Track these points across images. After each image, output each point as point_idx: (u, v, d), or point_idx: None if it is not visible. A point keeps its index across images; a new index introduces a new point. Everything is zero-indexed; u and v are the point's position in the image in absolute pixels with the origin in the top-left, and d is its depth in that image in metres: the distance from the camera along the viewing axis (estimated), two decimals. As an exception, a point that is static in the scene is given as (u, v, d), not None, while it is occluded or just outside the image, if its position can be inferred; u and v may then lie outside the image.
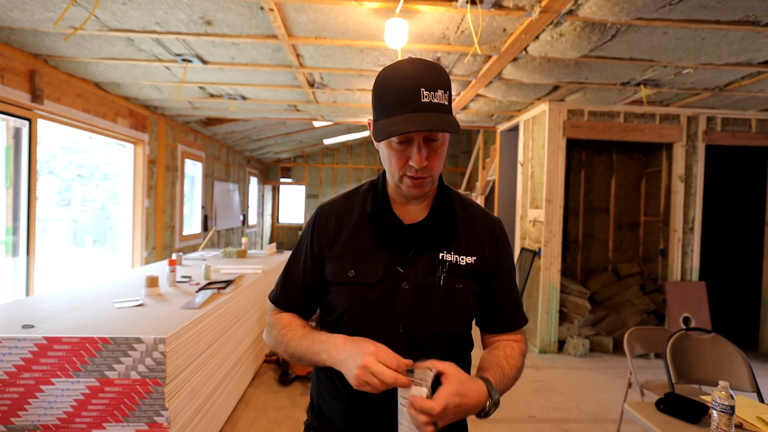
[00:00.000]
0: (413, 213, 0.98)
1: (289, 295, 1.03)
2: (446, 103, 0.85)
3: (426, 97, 0.81)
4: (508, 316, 1.03)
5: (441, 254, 0.94)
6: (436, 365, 0.79)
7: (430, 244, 0.95)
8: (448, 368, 0.79)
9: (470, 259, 0.95)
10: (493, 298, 1.01)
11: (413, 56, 0.89)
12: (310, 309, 1.04)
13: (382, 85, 0.87)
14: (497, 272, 1.00)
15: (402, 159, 0.88)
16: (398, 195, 0.97)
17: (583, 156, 5.06)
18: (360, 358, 0.79)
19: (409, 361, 0.80)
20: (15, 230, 3.04)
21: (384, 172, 1.00)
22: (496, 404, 0.84)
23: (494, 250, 0.99)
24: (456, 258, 0.95)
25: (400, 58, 3.02)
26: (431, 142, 0.86)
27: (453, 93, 4.06)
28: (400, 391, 0.80)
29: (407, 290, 0.92)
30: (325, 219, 1.01)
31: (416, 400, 0.75)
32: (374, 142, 0.92)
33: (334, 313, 0.98)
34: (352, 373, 0.79)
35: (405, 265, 0.93)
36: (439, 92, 0.83)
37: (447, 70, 3.42)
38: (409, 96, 0.82)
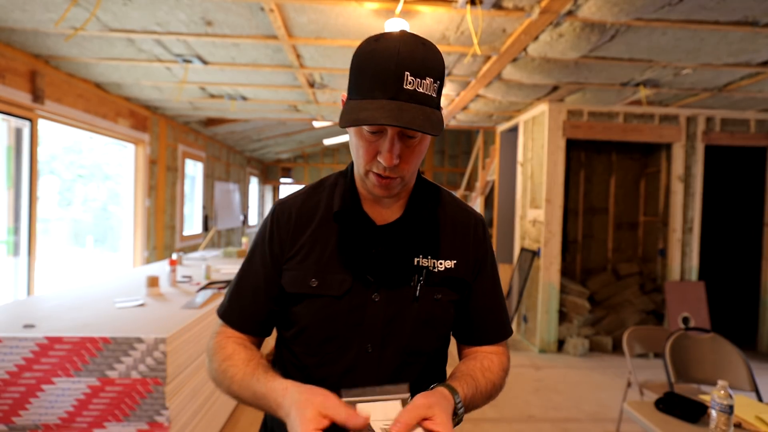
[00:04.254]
0: (386, 212, 0.85)
1: (244, 308, 0.85)
2: (434, 94, 0.71)
3: (410, 83, 0.67)
4: (490, 326, 0.89)
5: (417, 259, 0.82)
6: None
7: (404, 248, 0.82)
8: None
9: (450, 263, 0.83)
10: (473, 305, 0.87)
11: (406, 30, 0.75)
12: (269, 325, 0.87)
13: (361, 59, 0.71)
14: (479, 275, 0.87)
15: (370, 151, 0.74)
16: (367, 191, 0.82)
17: (583, 156, 5.07)
18: (299, 427, 0.62)
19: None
20: (16, 230, 3.04)
21: (353, 164, 0.84)
22: (459, 416, 0.72)
23: (476, 251, 0.87)
24: (434, 263, 0.82)
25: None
26: (408, 138, 0.73)
27: (453, 93, 4.08)
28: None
29: (378, 303, 0.79)
30: (285, 217, 0.85)
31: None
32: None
33: (291, 329, 0.83)
34: None
35: (376, 273, 0.80)
36: (428, 80, 0.69)
37: (447, 71, 3.43)
38: (389, 78, 0.67)
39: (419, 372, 0.82)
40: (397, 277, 0.81)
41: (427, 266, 0.82)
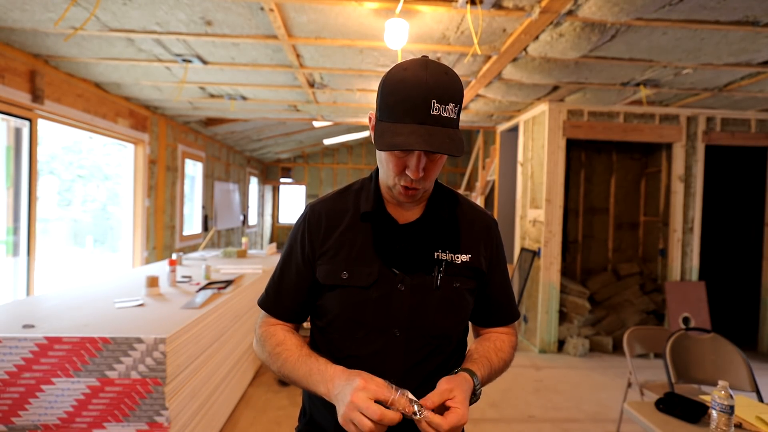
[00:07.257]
0: (408, 213, 0.96)
1: (281, 299, 0.98)
2: (455, 117, 0.81)
3: (436, 109, 0.78)
4: (502, 312, 1.03)
5: (436, 253, 0.93)
6: (438, 394, 0.77)
7: (425, 244, 0.93)
8: (450, 393, 0.78)
9: (465, 257, 0.94)
10: (488, 295, 1.00)
11: (428, 57, 0.84)
12: (303, 314, 0.99)
13: (391, 86, 0.81)
14: (492, 269, 0.99)
15: (399, 166, 0.85)
16: (391, 196, 0.94)
17: (583, 156, 5.06)
18: (348, 395, 0.74)
19: (405, 391, 0.76)
20: (15, 230, 3.04)
21: (377, 170, 0.97)
22: (477, 395, 0.86)
23: (489, 246, 0.99)
24: (452, 257, 0.93)
25: (400, 59, 3.03)
26: (431, 154, 0.84)
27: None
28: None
29: (403, 292, 0.90)
30: (316, 218, 0.96)
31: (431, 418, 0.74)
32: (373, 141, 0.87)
33: (325, 318, 0.95)
34: (340, 413, 0.76)
35: (400, 266, 0.91)
36: (450, 105, 0.79)
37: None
38: (419, 105, 0.78)
39: (443, 358, 0.93)
40: (420, 268, 0.91)
41: (446, 259, 0.93)
